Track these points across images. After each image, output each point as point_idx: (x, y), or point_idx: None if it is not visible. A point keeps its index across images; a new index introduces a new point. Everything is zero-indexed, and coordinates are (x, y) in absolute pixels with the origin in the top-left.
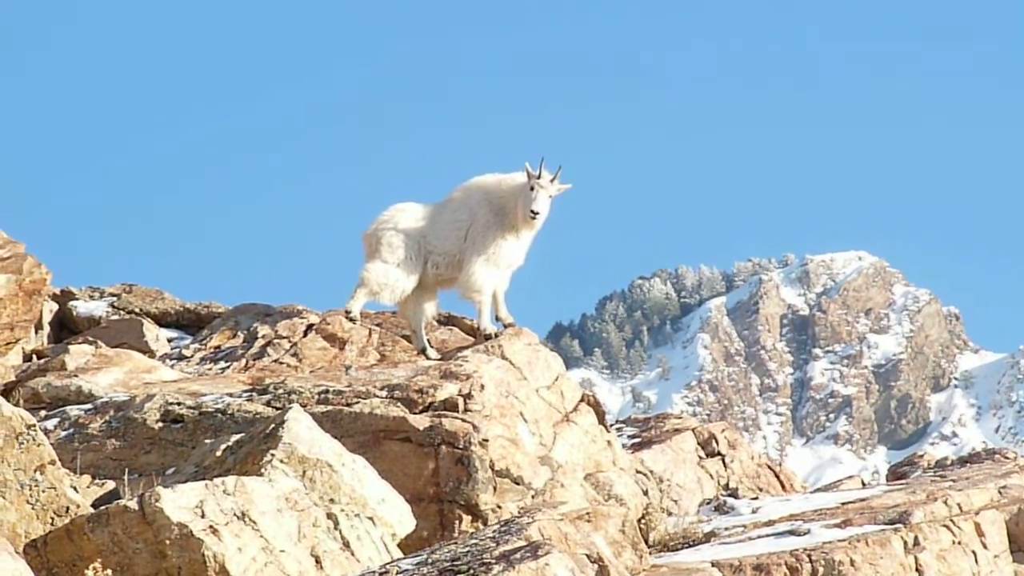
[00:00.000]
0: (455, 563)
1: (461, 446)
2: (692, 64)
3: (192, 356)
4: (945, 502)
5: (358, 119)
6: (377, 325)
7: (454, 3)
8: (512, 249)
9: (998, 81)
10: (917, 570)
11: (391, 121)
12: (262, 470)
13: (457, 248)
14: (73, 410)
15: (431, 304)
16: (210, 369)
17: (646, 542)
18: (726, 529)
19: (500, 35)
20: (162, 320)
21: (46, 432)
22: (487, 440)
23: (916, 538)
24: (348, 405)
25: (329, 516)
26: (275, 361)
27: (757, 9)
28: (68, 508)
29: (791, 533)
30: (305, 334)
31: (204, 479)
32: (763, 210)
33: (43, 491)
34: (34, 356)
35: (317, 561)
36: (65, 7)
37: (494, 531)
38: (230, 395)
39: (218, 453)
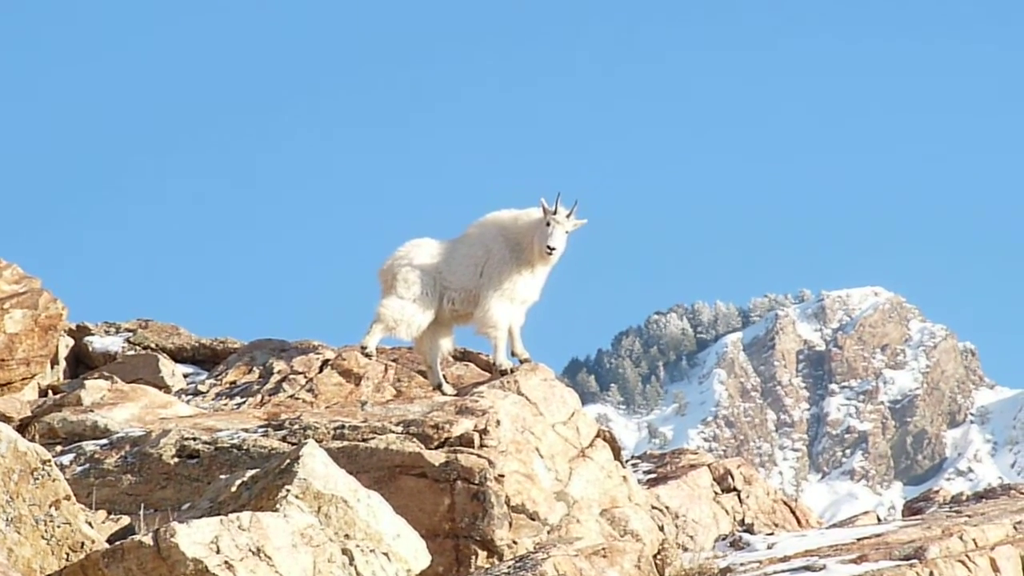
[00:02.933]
0: None
1: (477, 482)
2: (710, 98)
3: (208, 391)
4: (960, 537)
5: (374, 154)
6: (393, 361)
7: (468, 31)
8: (528, 285)
9: (1016, 118)
10: None
11: (407, 156)
12: (277, 506)
13: (473, 284)
14: (89, 445)
15: (447, 340)
16: (226, 404)
17: None
18: (742, 565)
19: (513, 66)
20: (178, 355)
21: (61, 467)
22: (503, 476)
23: (931, 573)
24: (364, 441)
25: (344, 552)
26: (291, 396)
27: (771, 44)
28: (83, 543)
29: (807, 569)
30: (321, 369)
31: (219, 514)
32: (779, 246)
33: (58, 526)
34: (50, 391)
35: None
36: (82, 38)
37: (509, 567)
38: (245, 430)
39: (233, 488)
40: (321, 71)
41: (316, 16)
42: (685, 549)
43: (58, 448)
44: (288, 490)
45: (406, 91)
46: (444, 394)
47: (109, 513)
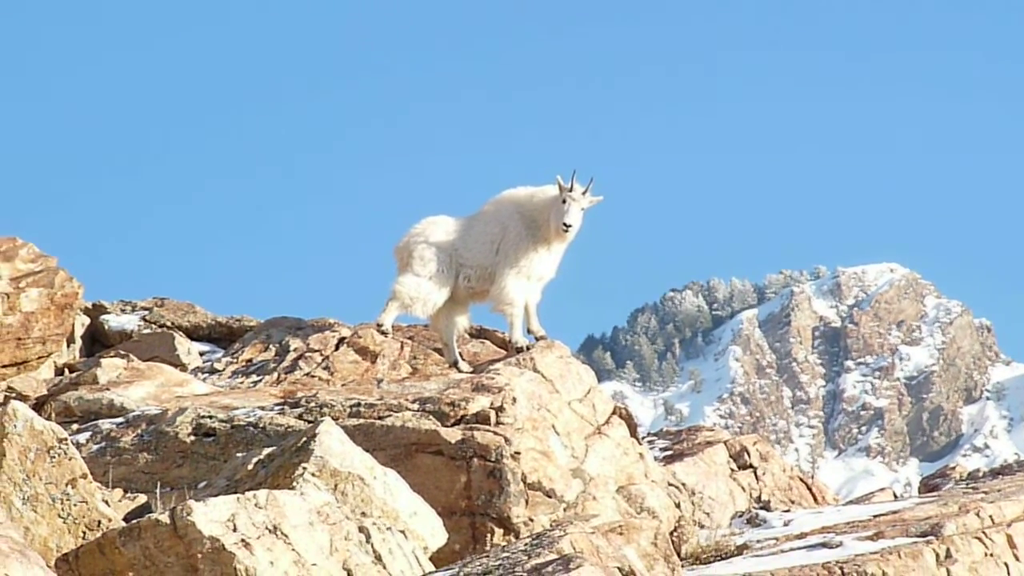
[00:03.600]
0: None
1: (493, 459)
2: (724, 75)
3: (224, 369)
4: (977, 514)
5: (390, 131)
6: (409, 338)
7: (484, 11)
8: (544, 262)
9: None
10: None
11: (422, 133)
12: (294, 483)
13: (489, 261)
14: (105, 424)
15: (463, 317)
16: (242, 382)
17: (678, 555)
18: (758, 542)
19: (531, 43)
20: (194, 334)
21: (78, 446)
22: (519, 453)
23: (948, 550)
24: (380, 418)
25: (361, 529)
26: (307, 374)
27: (790, 19)
28: (100, 522)
29: (823, 545)
30: (337, 347)
31: (236, 492)
32: (795, 222)
33: (74, 505)
34: (66, 370)
35: (349, 574)
36: (110, 27)
37: (526, 544)
38: (262, 408)
39: (250, 466)
40: (335, 52)
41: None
42: (701, 526)
43: (74, 426)
44: (305, 468)
45: (422, 73)
46: (460, 371)
47: (125, 491)
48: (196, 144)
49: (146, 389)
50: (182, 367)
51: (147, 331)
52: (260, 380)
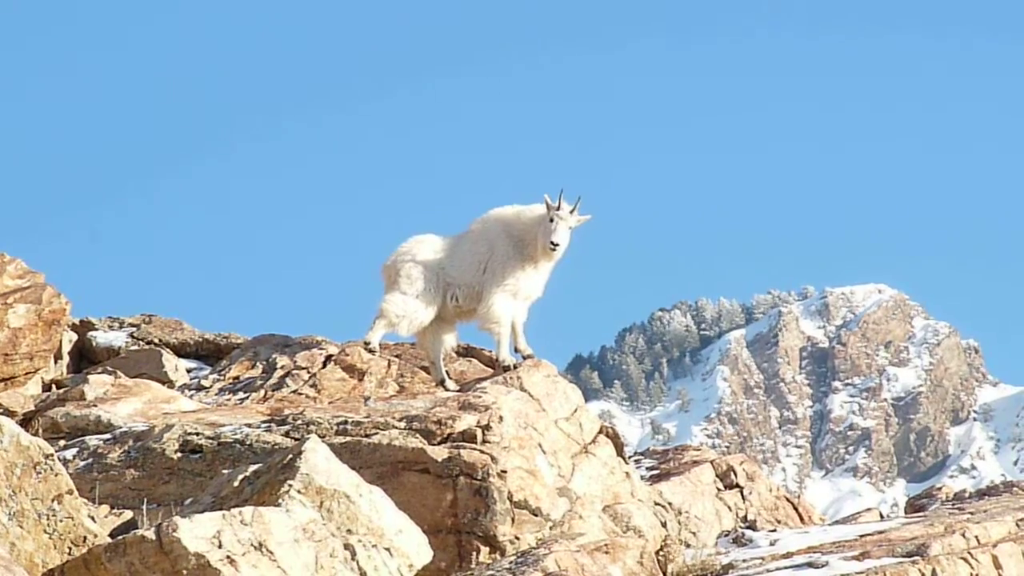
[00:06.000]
0: None
1: (479, 477)
2: (713, 93)
3: (211, 386)
4: (963, 534)
5: (378, 149)
6: (396, 356)
7: (470, 30)
8: (531, 280)
9: (1020, 116)
10: None
11: (411, 151)
12: (279, 500)
13: (476, 280)
14: (92, 440)
15: (450, 335)
16: (229, 399)
17: (664, 574)
18: (744, 561)
19: (518, 62)
20: (181, 350)
21: (65, 462)
22: (505, 471)
23: (934, 570)
24: (367, 436)
25: (346, 547)
26: (294, 392)
27: (774, 36)
28: (85, 538)
29: (809, 565)
30: (324, 365)
31: (221, 509)
32: (783, 242)
33: (60, 521)
34: (53, 386)
35: None
36: (90, 36)
37: (511, 562)
38: (249, 425)
39: (236, 483)
40: (323, 68)
41: (319, 15)
42: (688, 545)
43: (61, 443)
44: (290, 485)
45: (409, 87)
46: (447, 390)
47: (112, 508)
48: (183, 163)
49: (133, 406)
50: (169, 384)
51: (134, 348)
52: (247, 397)
